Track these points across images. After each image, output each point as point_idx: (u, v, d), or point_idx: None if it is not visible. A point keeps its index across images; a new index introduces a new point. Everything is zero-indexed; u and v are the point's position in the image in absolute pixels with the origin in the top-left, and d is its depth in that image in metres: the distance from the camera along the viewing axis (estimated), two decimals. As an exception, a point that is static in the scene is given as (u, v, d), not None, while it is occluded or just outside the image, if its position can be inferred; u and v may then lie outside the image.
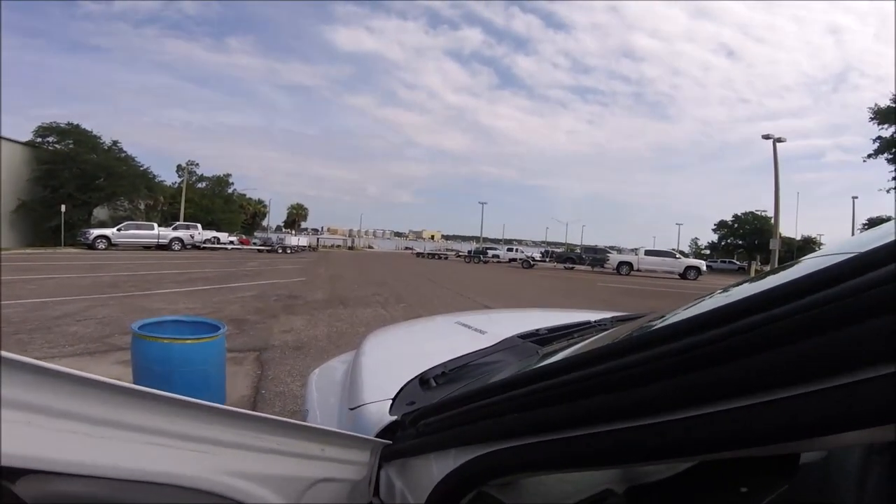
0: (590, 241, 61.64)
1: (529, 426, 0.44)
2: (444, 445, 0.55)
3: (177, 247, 23.51)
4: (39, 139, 24.15)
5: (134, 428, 0.44)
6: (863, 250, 0.27)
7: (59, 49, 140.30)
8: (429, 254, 40.86)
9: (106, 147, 26.33)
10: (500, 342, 1.11)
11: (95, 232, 21.23)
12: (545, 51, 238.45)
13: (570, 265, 30.27)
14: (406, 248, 60.53)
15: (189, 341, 2.52)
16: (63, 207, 21.13)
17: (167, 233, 23.81)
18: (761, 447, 0.29)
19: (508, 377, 0.51)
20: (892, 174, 23.59)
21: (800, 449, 0.37)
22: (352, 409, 0.91)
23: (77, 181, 23.41)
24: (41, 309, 6.01)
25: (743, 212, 50.40)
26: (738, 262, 44.64)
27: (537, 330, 1.19)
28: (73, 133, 24.76)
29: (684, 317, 0.35)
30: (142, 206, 29.66)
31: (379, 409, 0.82)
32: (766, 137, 23.09)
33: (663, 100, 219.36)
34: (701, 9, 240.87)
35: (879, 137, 23.98)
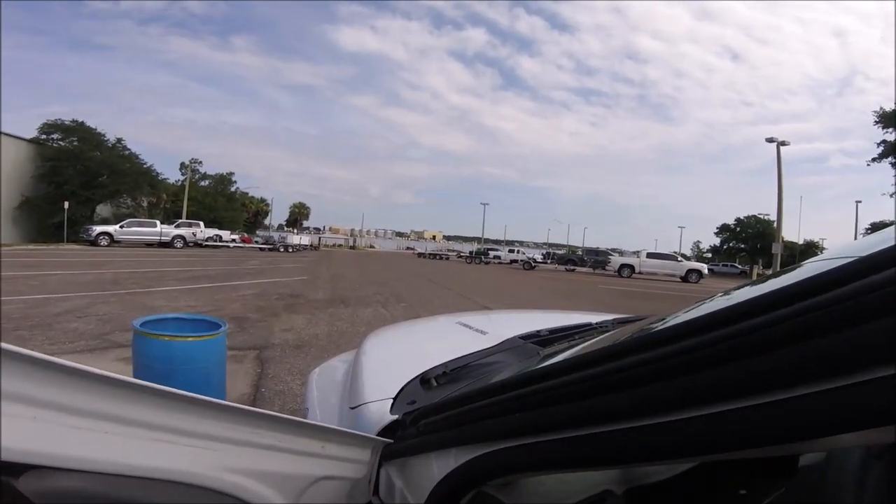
0: (591, 243, 61.60)
1: (530, 426, 0.44)
2: (445, 445, 0.55)
3: (179, 244, 23.57)
4: (44, 136, 24.23)
5: (136, 423, 0.44)
6: (865, 254, 0.27)
7: (64, 47, 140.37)
8: (430, 254, 40.92)
9: (110, 144, 26.40)
10: (501, 343, 1.11)
11: (98, 229, 21.29)
12: (549, 52, 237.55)
13: (572, 267, 30.29)
14: (407, 249, 60.60)
15: (190, 339, 2.52)
16: (66, 204, 21.19)
17: (169, 230, 23.87)
18: (761, 448, 0.29)
19: (509, 377, 0.51)
20: (896, 178, 23.51)
21: (800, 450, 0.37)
22: (352, 407, 0.91)
23: (81, 178, 23.48)
24: (42, 305, 6.02)
25: (745, 215, 50.24)
26: (739, 266, 44.56)
27: (538, 331, 1.19)
28: (78, 130, 24.84)
29: (685, 319, 0.35)
30: (145, 204, 29.75)
31: (379, 409, 0.82)
32: (770, 141, 22.99)
33: (666, 102, 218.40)
34: (705, 10, 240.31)
35: (884, 141, 23.87)
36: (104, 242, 20.68)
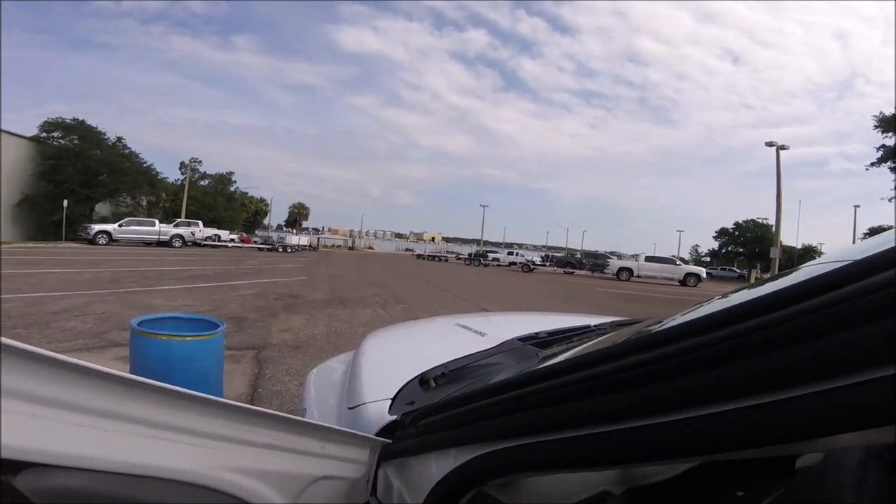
0: (591, 245, 61.82)
1: (530, 426, 0.44)
2: (444, 445, 0.55)
3: (177, 244, 23.51)
4: (44, 134, 24.21)
5: (137, 421, 0.44)
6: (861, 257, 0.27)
7: (66, 46, 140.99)
8: (429, 256, 40.96)
9: (110, 143, 26.37)
10: (500, 344, 1.12)
11: (96, 227, 21.26)
12: (550, 54, 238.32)
13: (570, 270, 30.31)
14: (406, 250, 60.61)
15: (188, 338, 2.52)
16: (65, 202, 21.17)
17: (168, 229, 23.83)
18: (761, 448, 0.30)
19: (509, 378, 0.51)
20: (895, 183, 23.52)
21: (798, 451, 0.38)
22: (350, 408, 0.91)
23: (80, 176, 23.45)
24: (40, 304, 6.01)
25: (744, 219, 50.39)
26: (738, 270, 44.66)
27: (537, 333, 1.19)
28: (78, 129, 24.81)
29: (683, 320, 0.35)
30: (144, 203, 29.72)
31: (378, 409, 0.82)
32: (770, 144, 23.05)
33: (667, 104, 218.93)
34: (707, 12, 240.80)
35: (883, 146, 23.87)
36: (102, 241, 20.64)
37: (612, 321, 1.36)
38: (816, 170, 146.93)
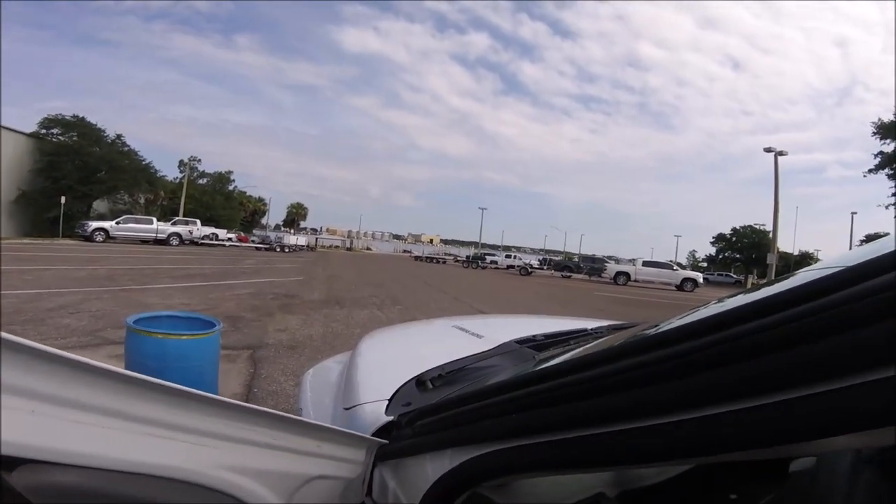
0: (589, 250, 61.92)
1: (525, 427, 0.44)
2: (440, 446, 0.56)
3: (175, 242, 23.42)
4: (44, 131, 24.12)
5: (135, 419, 0.43)
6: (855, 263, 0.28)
7: (69, 42, 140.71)
8: (427, 257, 40.86)
9: (109, 140, 26.31)
10: (497, 347, 1.12)
11: (93, 224, 21.18)
12: (551, 58, 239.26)
13: (568, 274, 30.35)
14: (404, 251, 60.45)
15: (184, 337, 2.51)
16: (63, 199, 21.09)
17: (166, 228, 23.74)
18: (754, 450, 0.30)
19: (505, 379, 0.52)
20: (893, 190, 23.50)
21: (792, 453, 0.38)
22: (347, 408, 0.91)
23: (79, 173, 23.36)
24: (35, 300, 5.98)
25: (742, 225, 50.51)
26: (734, 276, 44.75)
27: (534, 336, 1.19)
28: (78, 126, 24.74)
29: (679, 324, 0.35)
30: (142, 201, 29.60)
31: (374, 410, 0.82)
32: (768, 150, 23.10)
33: (667, 110, 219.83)
34: (708, 18, 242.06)
35: (881, 153, 23.92)
36: (99, 238, 20.56)
37: (609, 325, 1.36)
38: (814, 176, 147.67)
